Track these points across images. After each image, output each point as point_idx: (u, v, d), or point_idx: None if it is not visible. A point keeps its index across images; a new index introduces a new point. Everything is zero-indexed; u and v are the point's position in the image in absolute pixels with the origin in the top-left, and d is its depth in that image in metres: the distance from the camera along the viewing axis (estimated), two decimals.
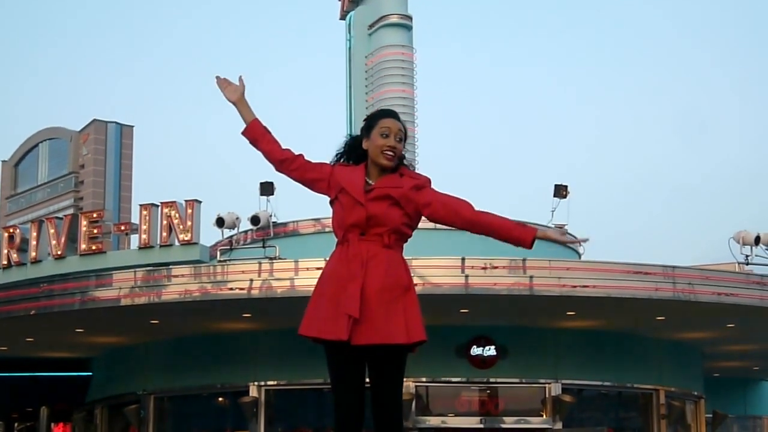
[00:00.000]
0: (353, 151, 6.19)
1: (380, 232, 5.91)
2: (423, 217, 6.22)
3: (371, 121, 6.15)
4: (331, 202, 6.08)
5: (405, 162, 6.17)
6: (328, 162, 6.19)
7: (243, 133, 6.25)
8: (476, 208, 6.16)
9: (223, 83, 6.34)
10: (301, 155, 6.17)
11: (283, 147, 6.19)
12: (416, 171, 6.23)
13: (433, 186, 6.14)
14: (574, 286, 24.34)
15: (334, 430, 5.96)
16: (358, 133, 6.23)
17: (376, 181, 6.00)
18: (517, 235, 6.20)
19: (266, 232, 29.80)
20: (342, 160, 6.22)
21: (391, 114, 6.19)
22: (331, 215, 6.08)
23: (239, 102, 6.29)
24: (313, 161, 6.17)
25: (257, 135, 6.22)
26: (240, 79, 6.35)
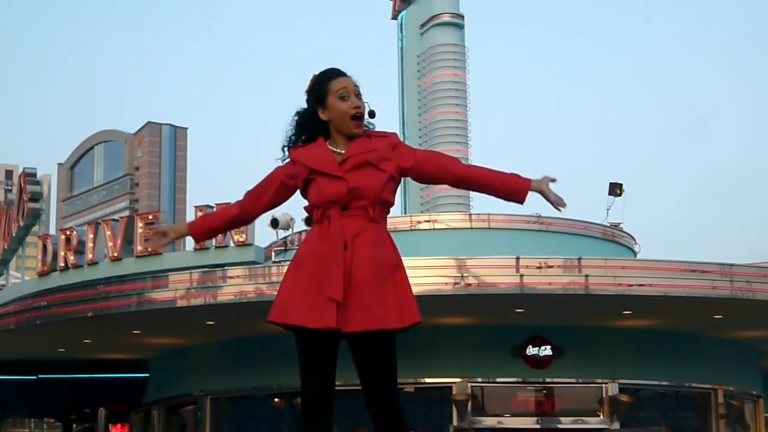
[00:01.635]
0: (308, 127, 5.56)
1: (363, 204, 5.33)
2: (417, 181, 5.75)
3: (320, 87, 5.50)
4: (303, 191, 5.52)
5: (369, 121, 5.53)
6: (275, 168, 5.62)
7: (196, 238, 5.94)
8: (460, 166, 5.53)
9: (157, 237, 5.99)
10: (246, 193, 5.69)
11: (232, 205, 5.81)
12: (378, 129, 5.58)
13: (401, 142, 5.54)
14: (630, 285, 24.16)
15: (301, 421, 5.41)
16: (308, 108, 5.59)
17: (345, 149, 5.43)
18: (513, 183, 5.48)
19: None
20: (296, 142, 5.60)
21: (339, 72, 5.54)
22: (306, 203, 5.56)
23: (172, 233, 5.95)
24: (258, 183, 5.67)
25: (205, 230, 5.91)
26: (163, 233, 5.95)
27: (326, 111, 5.48)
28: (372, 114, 5.47)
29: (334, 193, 5.36)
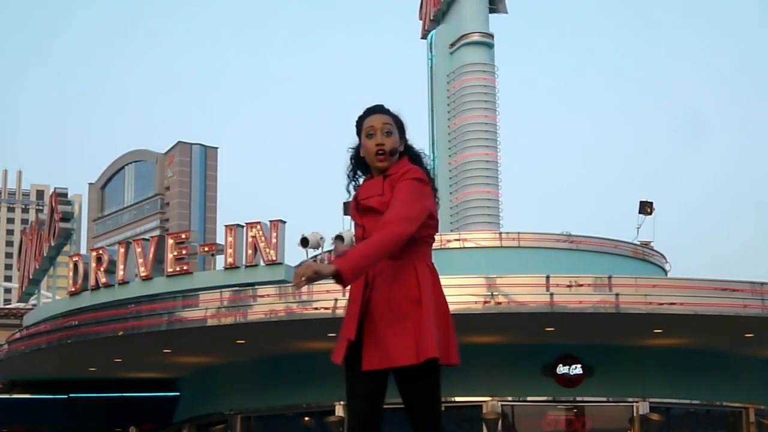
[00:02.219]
0: (356, 163, 5.84)
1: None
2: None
3: (357, 126, 5.79)
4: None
5: (413, 153, 5.79)
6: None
7: (347, 276, 5.32)
8: (385, 229, 5.36)
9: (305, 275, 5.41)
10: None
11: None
12: (421, 163, 5.74)
13: (411, 181, 5.56)
14: (661, 304, 24.09)
15: None
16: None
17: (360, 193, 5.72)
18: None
19: None
20: (353, 178, 5.86)
21: (373, 110, 5.78)
22: None
23: (325, 273, 5.35)
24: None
25: (359, 263, 5.35)
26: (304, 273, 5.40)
27: (362, 148, 5.76)
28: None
29: (358, 237, 5.69)
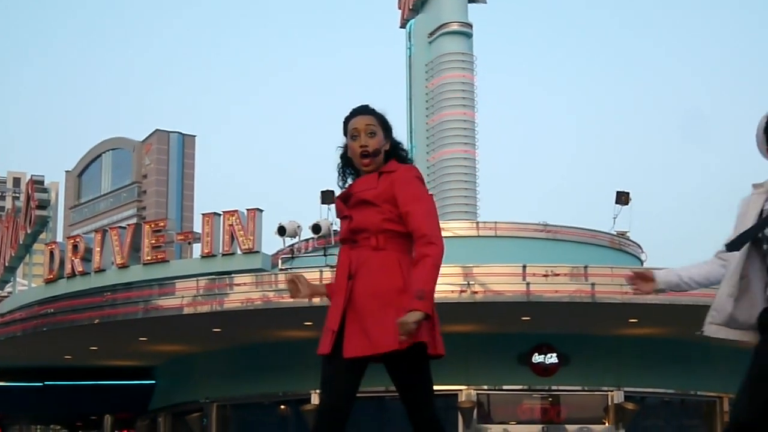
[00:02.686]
0: (345, 164, 5.91)
1: (367, 236, 5.62)
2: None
3: (343, 128, 5.87)
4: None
5: (401, 150, 5.88)
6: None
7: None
8: (419, 248, 5.66)
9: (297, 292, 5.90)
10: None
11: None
12: (408, 161, 5.85)
13: (413, 180, 5.72)
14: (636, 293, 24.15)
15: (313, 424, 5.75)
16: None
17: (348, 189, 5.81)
18: (407, 298, 5.54)
19: (327, 240, 29.87)
20: (344, 178, 5.93)
21: (358, 111, 5.85)
22: None
23: (315, 294, 5.91)
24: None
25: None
26: (302, 282, 5.88)
27: (349, 150, 5.83)
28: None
29: (343, 231, 5.73)
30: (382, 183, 5.69)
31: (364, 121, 5.77)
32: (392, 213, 5.63)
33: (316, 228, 28.95)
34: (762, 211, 5.64)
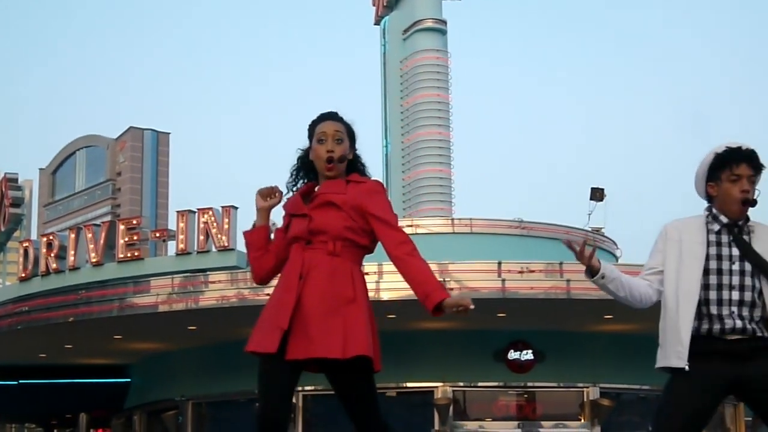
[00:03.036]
0: (304, 167, 5.87)
1: (324, 239, 5.58)
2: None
3: (310, 130, 5.83)
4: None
5: (360, 163, 5.86)
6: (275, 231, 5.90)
7: (245, 233, 5.97)
8: (408, 248, 5.73)
9: (263, 194, 5.91)
10: (270, 247, 5.89)
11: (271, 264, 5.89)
12: (367, 174, 5.87)
13: (384, 194, 5.78)
14: None
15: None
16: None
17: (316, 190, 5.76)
18: (424, 291, 5.79)
19: None
20: (295, 181, 5.90)
21: (327, 116, 5.83)
22: None
23: (264, 211, 5.90)
24: (275, 238, 5.88)
25: (255, 242, 5.93)
26: (277, 192, 5.92)
27: (312, 152, 5.78)
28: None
29: (299, 229, 5.65)
30: (350, 190, 5.67)
31: (333, 126, 5.75)
32: (355, 222, 5.61)
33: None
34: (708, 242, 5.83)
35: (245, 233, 5.96)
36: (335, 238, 5.59)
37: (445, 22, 48.05)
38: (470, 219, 32.89)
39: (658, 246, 6.09)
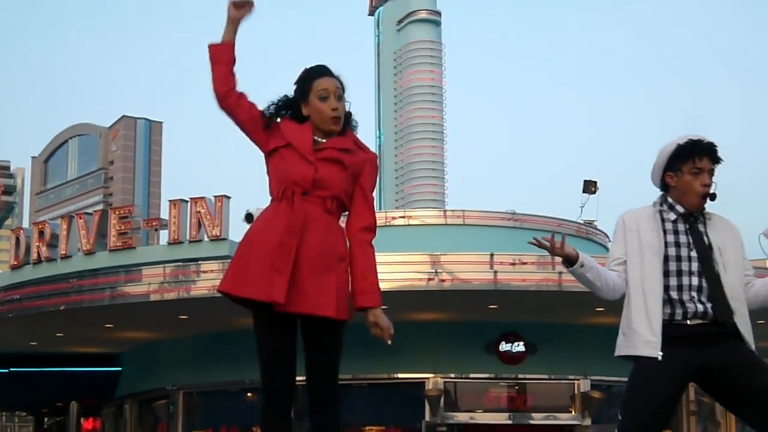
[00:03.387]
0: (291, 111, 5.71)
1: (323, 195, 5.48)
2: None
3: (304, 83, 5.67)
4: (268, 155, 5.65)
5: (352, 122, 5.78)
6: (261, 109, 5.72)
7: (210, 46, 5.75)
8: (371, 236, 5.66)
9: (236, 4, 5.70)
10: (243, 95, 5.74)
11: (237, 87, 5.74)
12: (356, 129, 5.82)
13: (378, 170, 5.78)
14: None
15: (262, 402, 5.62)
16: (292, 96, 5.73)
17: (323, 140, 5.60)
18: (362, 286, 5.55)
19: None
20: (280, 112, 5.72)
21: (323, 71, 5.72)
22: (266, 169, 5.66)
23: (235, 22, 5.75)
24: (251, 103, 5.73)
25: (222, 57, 5.74)
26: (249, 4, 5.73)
27: (307, 107, 5.63)
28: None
29: (301, 175, 5.50)
30: (358, 154, 5.63)
31: (333, 83, 5.67)
32: (350, 186, 5.57)
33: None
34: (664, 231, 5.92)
35: (210, 45, 5.76)
36: (333, 197, 5.53)
37: (439, 14, 48.28)
38: (463, 211, 32.88)
39: (618, 237, 6.19)
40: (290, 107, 5.72)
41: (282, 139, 5.60)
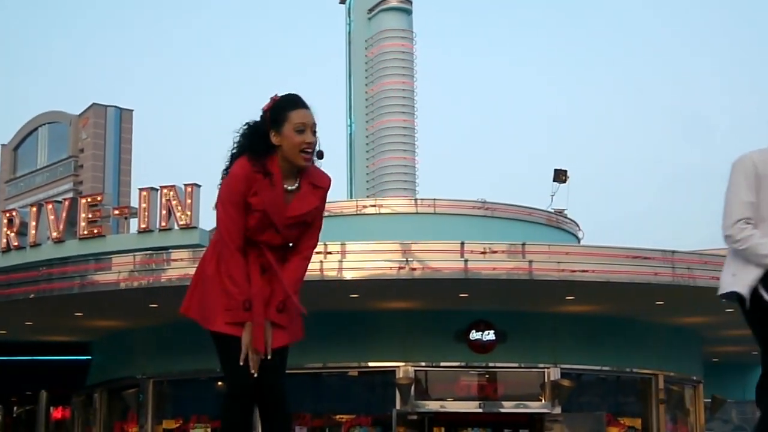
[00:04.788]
0: (257, 144, 5.70)
1: (285, 247, 5.85)
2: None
3: (280, 112, 5.65)
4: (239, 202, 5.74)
5: (318, 154, 5.80)
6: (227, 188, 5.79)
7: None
8: (312, 252, 5.96)
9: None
10: (232, 233, 5.79)
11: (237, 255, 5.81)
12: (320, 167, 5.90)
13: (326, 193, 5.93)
14: (573, 271, 24.29)
15: (226, 398, 6.19)
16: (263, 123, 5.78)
17: (293, 193, 5.72)
18: (285, 292, 5.84)
19: None
20: (239, 154, 5.76)
21: (302, 104, 5.70)
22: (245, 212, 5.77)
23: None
24: (232, 215, 5.77)
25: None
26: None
27: (279, 137, 5.63)
28: (320, 155, 5.73)
29: (268, 239, 5.73)
30: (315, 199, 5.77)
31: (311, 117, 5.66)
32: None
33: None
34: None
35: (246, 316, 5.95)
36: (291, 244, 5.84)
37: (410, 2, 48.14)
38: (433, 200, 32.89)
39: (749, 182, 5.81)
40: (256, 139, 5.71)
41: (257, 201, 5.67)
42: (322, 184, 5.78)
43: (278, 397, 6.09)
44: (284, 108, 5.65)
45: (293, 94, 5.75)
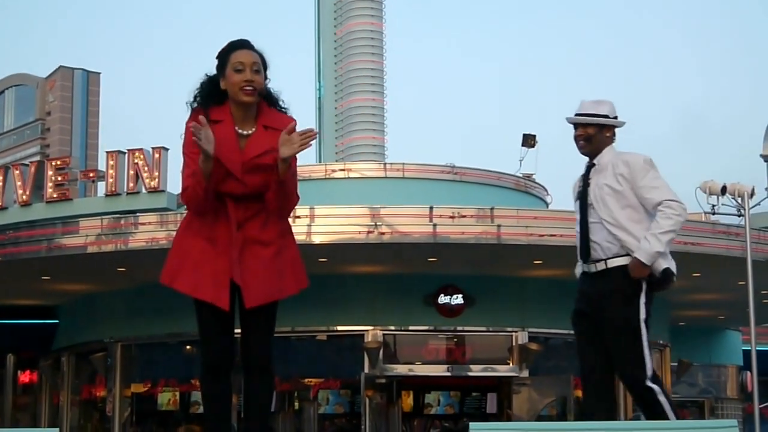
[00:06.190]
0: (212, 93, 5.84)
1: (254, 197, 5.82)
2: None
3: (222, 57, 5.79)
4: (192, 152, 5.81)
5: (273, 94, 5.89)
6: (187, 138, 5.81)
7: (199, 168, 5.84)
8: (293, 198, 5.96)
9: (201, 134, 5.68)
10: (190, 177, 5.90)
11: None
12: (283, 105, 5.93)
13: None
14: (542, 235, 24.36)
15: (201, 371, 6.12)
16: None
17: (247, 137, 5.74)
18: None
19: None
20: (201, 103, 5.85)
21: (242, 45, 5.80)
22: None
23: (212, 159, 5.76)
24: (191, 161, 5.85)
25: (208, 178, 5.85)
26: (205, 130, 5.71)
27: (224, 81, 5.78)
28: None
29: (231, 189, 5.78)
30: (271, 140, 5.70)
31: (250, 56, 5.72)
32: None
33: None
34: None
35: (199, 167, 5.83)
36: (262, 196, 5.79)
37: None
38: (402, 164, 32.87)
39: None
40: (210, 91, 5.84)
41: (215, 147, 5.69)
42: (277, 126, 5.73)
43: (261, 357, 6.06)
44: (226, 52, 5.78)
45: (239, 39, 5.84)
